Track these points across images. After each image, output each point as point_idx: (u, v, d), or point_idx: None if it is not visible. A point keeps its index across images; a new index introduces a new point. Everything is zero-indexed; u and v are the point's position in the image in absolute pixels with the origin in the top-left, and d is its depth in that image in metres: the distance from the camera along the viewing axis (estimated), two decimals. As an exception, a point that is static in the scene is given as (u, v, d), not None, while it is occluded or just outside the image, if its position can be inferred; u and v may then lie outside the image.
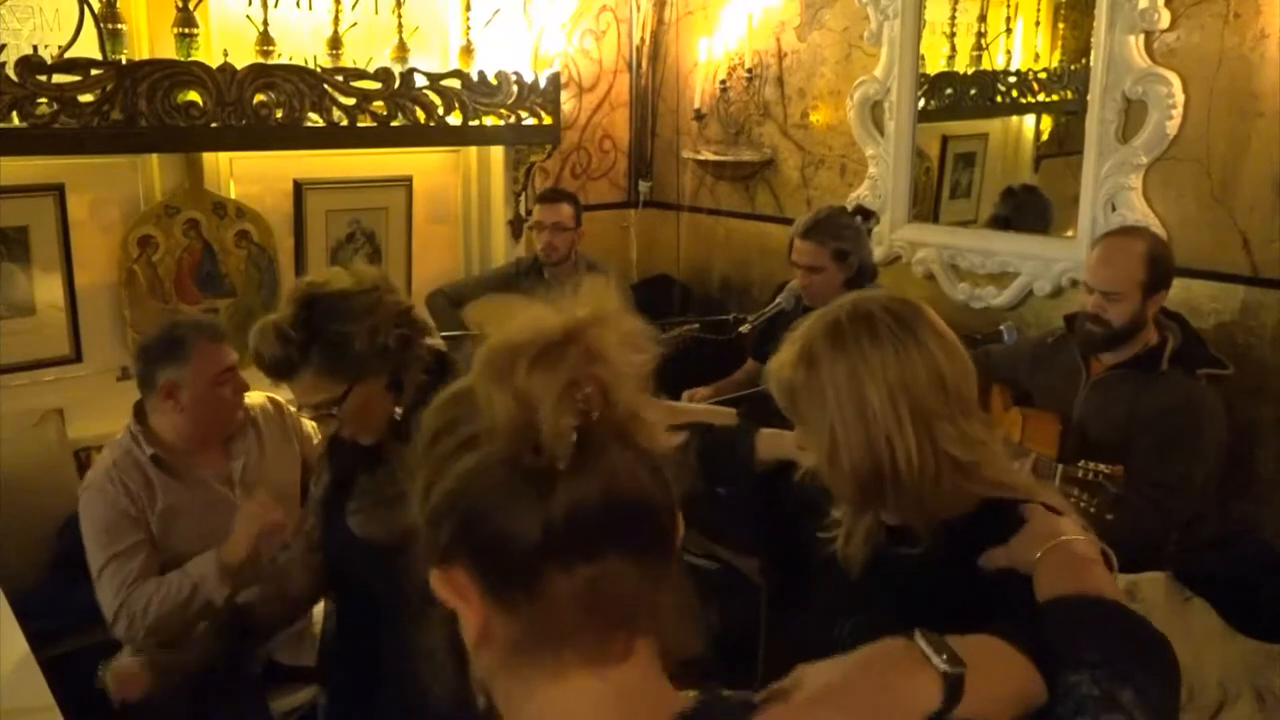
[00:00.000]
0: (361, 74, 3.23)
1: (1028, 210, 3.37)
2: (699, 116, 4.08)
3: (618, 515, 0.70)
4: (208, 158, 3.23)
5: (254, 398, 2.42)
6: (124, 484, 2.17)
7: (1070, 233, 3.12)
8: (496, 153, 3.86)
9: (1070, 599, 1.06)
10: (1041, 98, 3.49)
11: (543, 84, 3.64)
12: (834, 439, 1.20)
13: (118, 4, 2.85)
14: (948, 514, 1.23)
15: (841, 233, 2.90)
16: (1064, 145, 3.35)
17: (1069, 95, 3.30)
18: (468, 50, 3.55)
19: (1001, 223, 3.44)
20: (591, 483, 0.69)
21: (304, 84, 3.09)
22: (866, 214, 3.06)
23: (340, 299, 1.68)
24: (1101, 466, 2.16)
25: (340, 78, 3.17)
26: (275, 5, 3.13)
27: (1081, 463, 2.20)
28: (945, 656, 0.84)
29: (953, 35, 3.52)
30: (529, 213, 3.78)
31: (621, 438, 0.71)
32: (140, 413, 2.26)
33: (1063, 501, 1.27)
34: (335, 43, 3.25)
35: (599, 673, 0.72)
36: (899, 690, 0.82)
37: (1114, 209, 2.93)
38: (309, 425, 2.43)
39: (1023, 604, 1.09)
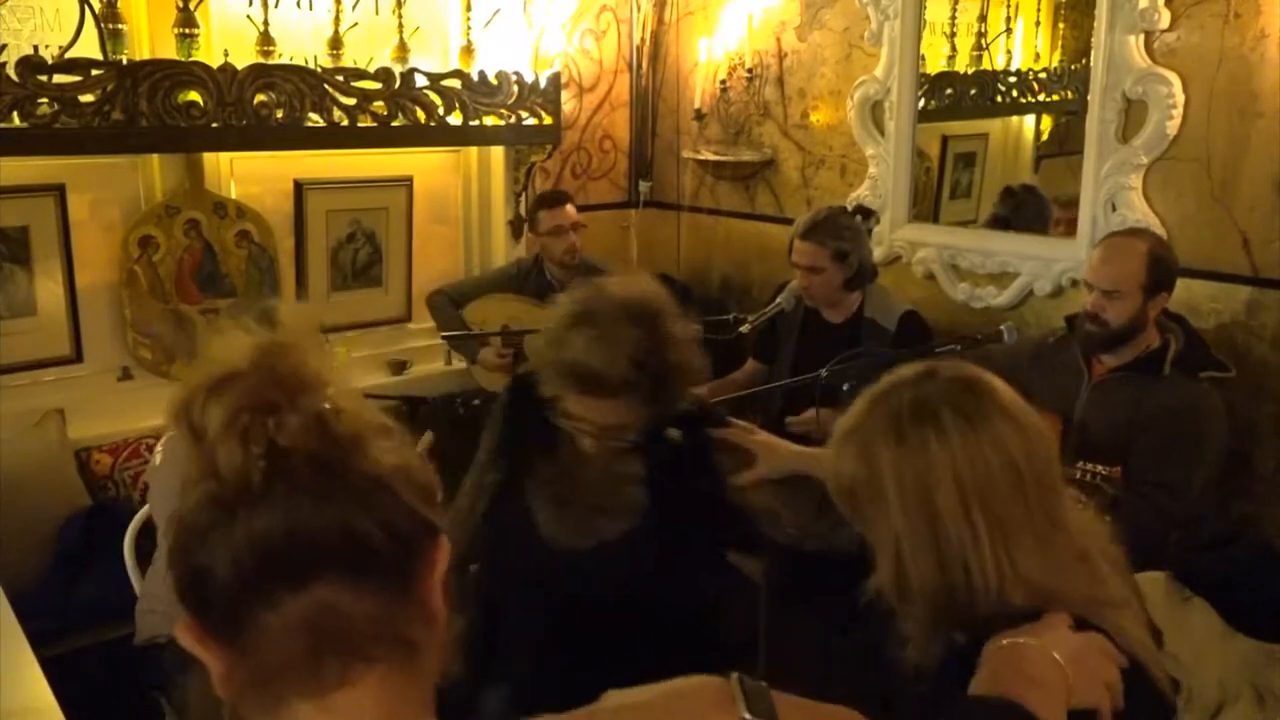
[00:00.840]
0: (362, 74, 3.23)
1: (1027, 210, 3.37)
2: (699, 116, 4.08)
3: (313, 544, 0.66)
4: (208, 158, 3.23)
5: None
6: None
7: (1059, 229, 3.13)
8: (497, 153, 3.87)
9: (986, 700, 0.97)
10: (1041, 98, 3.49)
11: (543, 84, 3.65)
12: (899, 553, 1.07)
13: (118, 4, 2.85)
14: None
15: (841, 233, 2.90)
16: (1064, 145, 3.35)
17: (1069, 95, 3.30)
18: (468, 50, 3.55)
19: (1001, 223, 3.44)
20: (273, 512, 0.65)
21: (304, 84, 3.09)
22: (866, 213, 3.06)
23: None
24: (1099, 468, 2.16)
25: (340, 78, 3.17)
26: (275, 5, 3.13)
27: (1080, 464, 2.20)
28: (758, 708, 0.78)
29: (953, 35, 3.52)
30: (529, 214, 3.77)
31: (321, 462, 0.67)
32: None
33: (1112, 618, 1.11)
34: (335, 43, 3.25)
35: (321, 704, 0.68)
36: None
37: (1114, 209, 2.93)
38: None
39: None
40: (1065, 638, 1.03)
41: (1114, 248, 2.45)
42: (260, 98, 3.01)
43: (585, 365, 1.54)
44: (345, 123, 3.19)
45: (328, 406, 0.68)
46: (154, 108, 2.83)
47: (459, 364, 3.77)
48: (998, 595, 1.05)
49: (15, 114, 2.65)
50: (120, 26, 2.85)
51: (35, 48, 2.78)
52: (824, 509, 1.28)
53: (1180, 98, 2.78)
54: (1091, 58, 2.94)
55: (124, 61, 2.82)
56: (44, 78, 2.67)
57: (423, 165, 3.74)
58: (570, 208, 3.53)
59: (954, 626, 1.10)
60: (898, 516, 1.06)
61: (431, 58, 3.58)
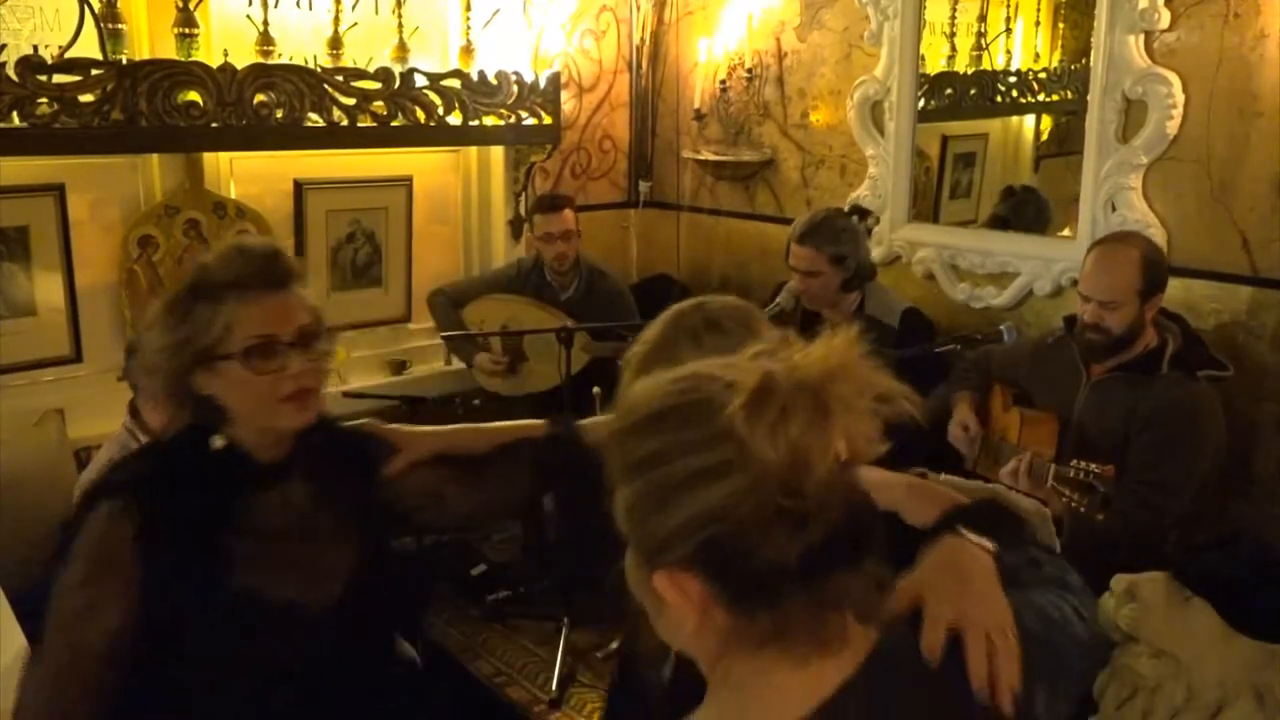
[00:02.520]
0: (361, 74, 3.23)
1: (1027, 210, 3.38)
2: (699, 116, 4.08)
3: (855, 538, 0.79)
4: (208, 158, 3.23)
5: None
6: None
7: (1066, 232, 3.12)
8: (496, 153, 3.87)
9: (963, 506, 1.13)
10: (1041, 98, 3.49)
11: (543, 84, 3.65)
12: None
13: (118, 4, 2.85)
14: None
15: (838, 236, 2.90)
16: (1064, 145, 3.35)
17: (1069, 95, 3.30)
18: (468, 50, 3.55)
19: (1001, 223, 3.44)
20: (839, 514, 0.77)
21: (304, 84, 3.09)
22: (863, 214, 3.05)
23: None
24: (1093, 466, 2.16)
25: (340, 78, 3.17)
26: (275, 5, 3.13)
27: (1074, 462, 2.20)
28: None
29: (953, 35, 3.52)
30: (529, 215, 3.77)
31: (853, 471, 0.79)
32: (134, 410, 2.29)
33: None
34: (335, 43, 3.25)
35: (828, 657, 0.81)
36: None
37: (1114, 209, 2.93)
38: None
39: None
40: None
41: (1107, 257, 2.44)
42: (260, 98, 3.01)
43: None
44: (345, 123, 3.19)
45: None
46: (154, 108, 2.83)
47: (459, 364, 3.77)
48: None
49: (15, 114, 2.65)
50: (120, 26, 2.85)
51: (35, 47, 2.78)
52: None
53: (1180, 98, 2.79)
54: (1091, 58, 2.94)
55: (124, 61, 2.82)
56: (44, 77, 2.67)
57: (422, 165, 3.74)
58: (568, 213, 3.51)
59: None
60: None
61: (431, 58, 3.58)
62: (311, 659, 1.42)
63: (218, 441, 1.40)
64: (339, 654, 1.44)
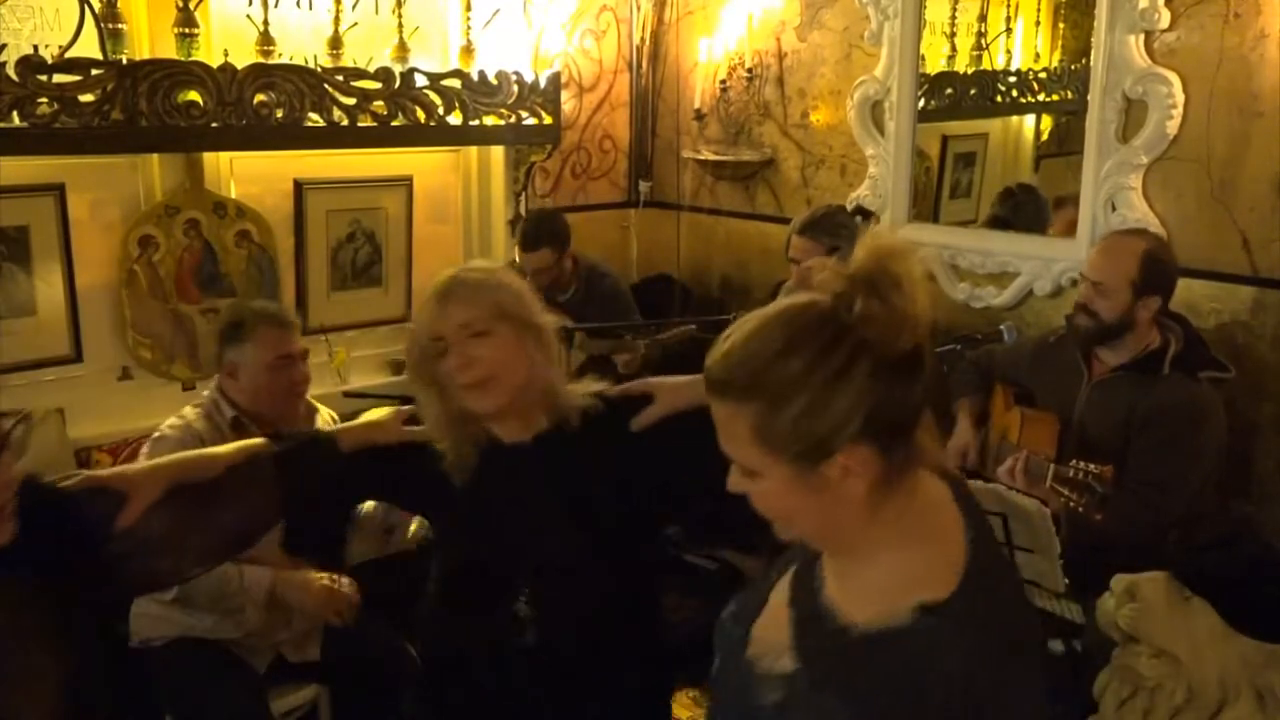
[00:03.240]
0: (362, 74, 3.22)
1: (1026, 210, 3.37)
2: (699, 116, 4.08)
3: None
4: (208, 157, 3.22)
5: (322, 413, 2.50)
6: (199, 436, 2.23)
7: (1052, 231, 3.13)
8: (497, 152, 3.86)
9: None
10: (1041, 98, 3.49)
11: (543, 84, 3.64)
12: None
13: (118, 4, 2.84)
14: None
15: (838, 231, 2.91)
16: (1064, 145, 3.35)
17: (1069, 95, 3.30)
18: (468, 50, 3.55)
19: (1000, 223, 3.44)
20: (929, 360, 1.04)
21: (304, 84, 3.09)
22: (865, 214, 3.06)
23: None
24: (1091, 466, 2.16)
25: (340, 77, 3.17)
26: (275, 5, 3.13)
27: (1073, 462, 2.20)
28: None
29: (953, 35, 3.52)
30: (528, 213, 3.77)
31: None
32: (224, 392, 2.35)
33: None
34: (335, 42, 3.24)
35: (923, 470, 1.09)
36: None
37: (1114, 209, 2.93)
38: None
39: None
40: None
41: (1112, 242, 2.49)
42: (260, 97, 3.01)
43: None
44: (345, 122, 3.19)
45: None
46: (154, 107, 2.83)
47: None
48: None
49: (15, 114, 2.64)
50: (120, 26, 2.85)
51: (35, 47, 2.78)
52: None
53: (1180, 98, 2.79)
54: (1091, 58, 2.94)
55: (124, 61, 2.82)
56: (44, 77, 2.67)
57: (422, 165, 3.73)
58: (543, 253, 3.47)
59: None
60: None
61: (431, 57, 3.58)
62: None
63: None
64: None
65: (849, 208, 3.12)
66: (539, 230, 3.53)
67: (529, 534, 1.58)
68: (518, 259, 3.54)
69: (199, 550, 1.47)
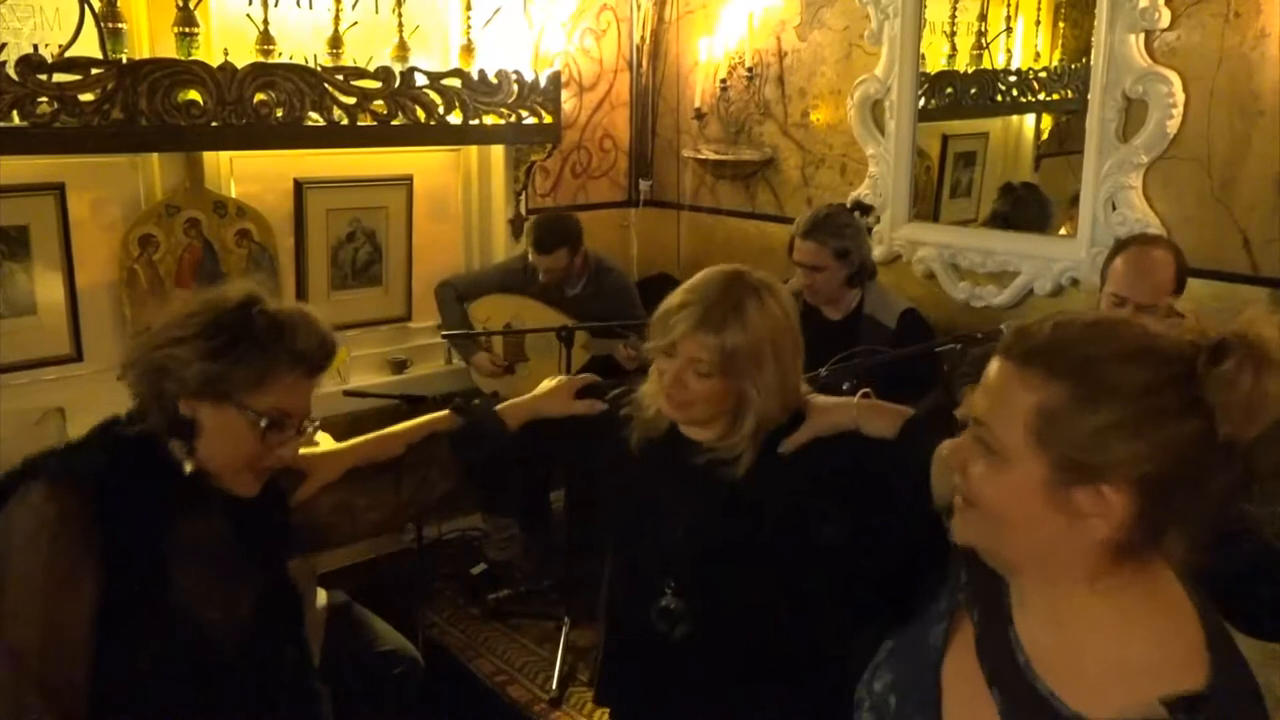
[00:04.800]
0: (362, 73, 3.23)
1: (1027, 207, 3.37)
2: (699, 116, 4.08)
3: None
4: (208, 157, 3.23)
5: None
6: None
7: (1065, 231, 3.12)
8: (497, 152, 3.86)
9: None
10: (1042, 97, 3.49)
11: (543, 83, 3.65)
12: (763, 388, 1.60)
13: (118, 3, 2.85)
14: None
15: (842, 231, 2.90)
16: (1064, 144, 3.35)
17: (1069, 94, 3.30)
18: (468, 49, 3.55)
19: (1000, 220, 3.44)
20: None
21: (304, 83, 3.09)
22: (865, 209, 3.06)
23: None
24: None
25: (340, 77, 3.17)
26: (275, 4, 3.13)
27: None
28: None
29: (953, 34, 3.52)
30: (529, 213, 3.77)
31: None
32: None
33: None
34: (335, 42, 3.25)
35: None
36: None
37: (1114, 208, 2.93)
38: None
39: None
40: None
41: (1145, 260, 2.41)
42: (260, 97, 3.01)
43: None
44: (345, 122, 3.19)
45: None
46: (154, 107, 2.83)
47: (459, 363, 3.77)
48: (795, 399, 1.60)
49: (15, 113, 2.65)
50: (120, 25, 2.85)
51: (35, 46, 2.78)
52: None
53: (1180, 97, 2.79)
54: (1091, 57, 2.94)
55: (124, 60, 2.82)
56: (44, 76, 2.67)
57: (423, 164, 3.73)
58: (559, 254, 3.47)
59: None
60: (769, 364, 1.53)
61: (431, 57, 3.58)
62: (228, 671, 1.44)
63: (188, 467, 1.40)
64: (253, 666, 1.48)
65: (849, 204, 3.11)
66: (554, 234, 3.53)
67: (688, 524, 1.59)
68: (530, 258, 3.53)
69: (369, 523, 1.65)
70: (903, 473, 1.47)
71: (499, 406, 1.72)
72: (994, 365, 0.95)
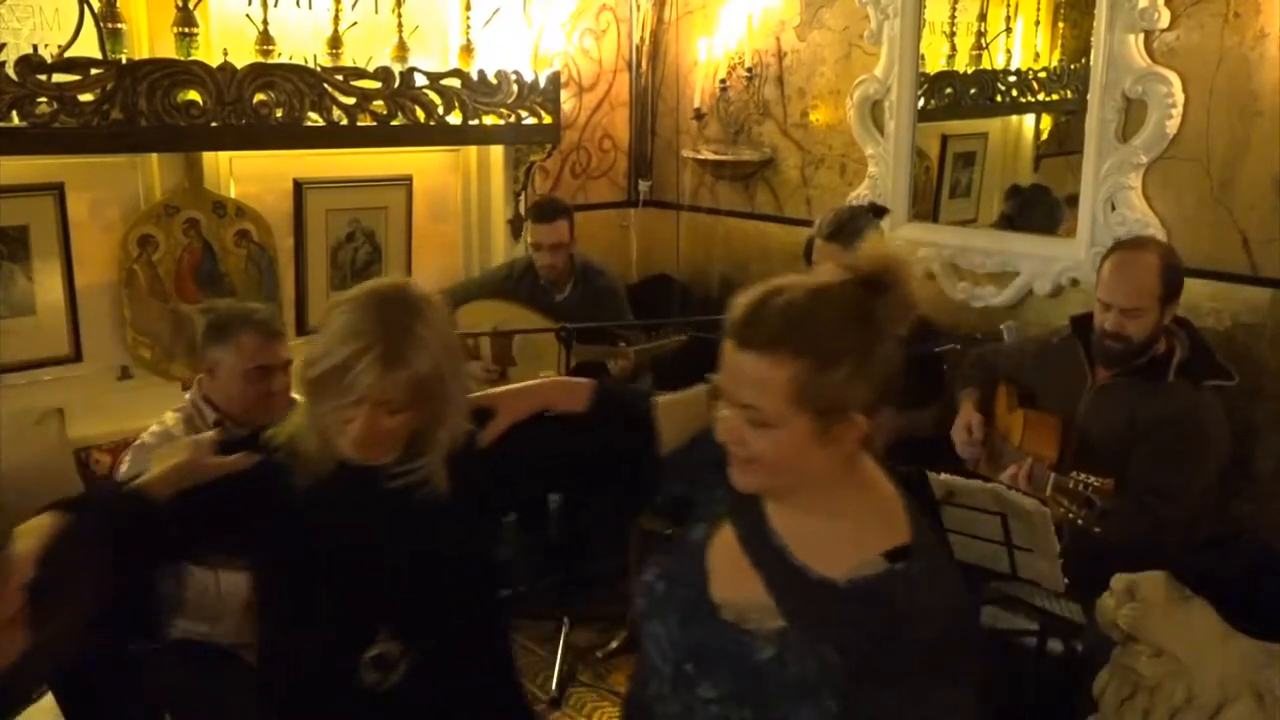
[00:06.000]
0: (361, 73, 3.22)
1: (1035, 210, 3.35)
2: (699, 116, 4.08)
3: None
4: (207, 157, 3.23)
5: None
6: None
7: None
8: (496, 152, 3.86)
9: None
10: (1041, 97, 3.49)
11: (542, 83, 3.65)
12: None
13: (118, 3, 2.85)
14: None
15: (865, 236, 2.90)
16: (1064, 144, 3.35)
17: (1069, 95, 3.30)
18: (468, 49, 3.55)
19: (1007, 222, 3.43)
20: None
21: (304, 83, 3.09)
22: (880, 211, 3.05)
23: None
24: (1092, 479, 2.14)
25: (340, 77, 3.17)
26: (275, 4, 3.13)
27: (1073, 473, 2.19)
28: None
29: (953, 35, 3.52)
30: (525, 217, 3.76)
31: None
32: (203, 390, 2.32)
33: None
34: (335, 42, 3.24)
35: None
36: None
37: (1114, 208, 2.93)
38: None
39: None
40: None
41: (1128, 264, 2.40)
42: (260, 97, 3.01)
43: None
44: (345, 122, 3.19)
45: None
46: (153, 107, 2.83)
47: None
48: None
49: (14, 113, 2.64)
50: (119, 25, 2.85)
51: (35, 47, 2.78)
52: None
53: (1180, 97, 2.79)
54: (1091, 57, 2.94)
55: (123, 60, 2.82)
56: (43, 77, 2.67)
57: (422, 164, 3.73)
58: (561, 225, 3.44)
59: None
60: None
61: (431, 57, 3.58)
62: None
63: None
64: None
65: (864, 205, 3.12)
66: (553, 202, 3.54)
67: (398, 556, 1.47)
68: (530, 238, 3.50)
69: (563, 478, 1.86)
70: (601, 440, 1.56)
71: (136, 482, 1.45)
72: (738, 356, 1.15)
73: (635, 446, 1.53)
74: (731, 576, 1.24)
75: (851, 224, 2.91)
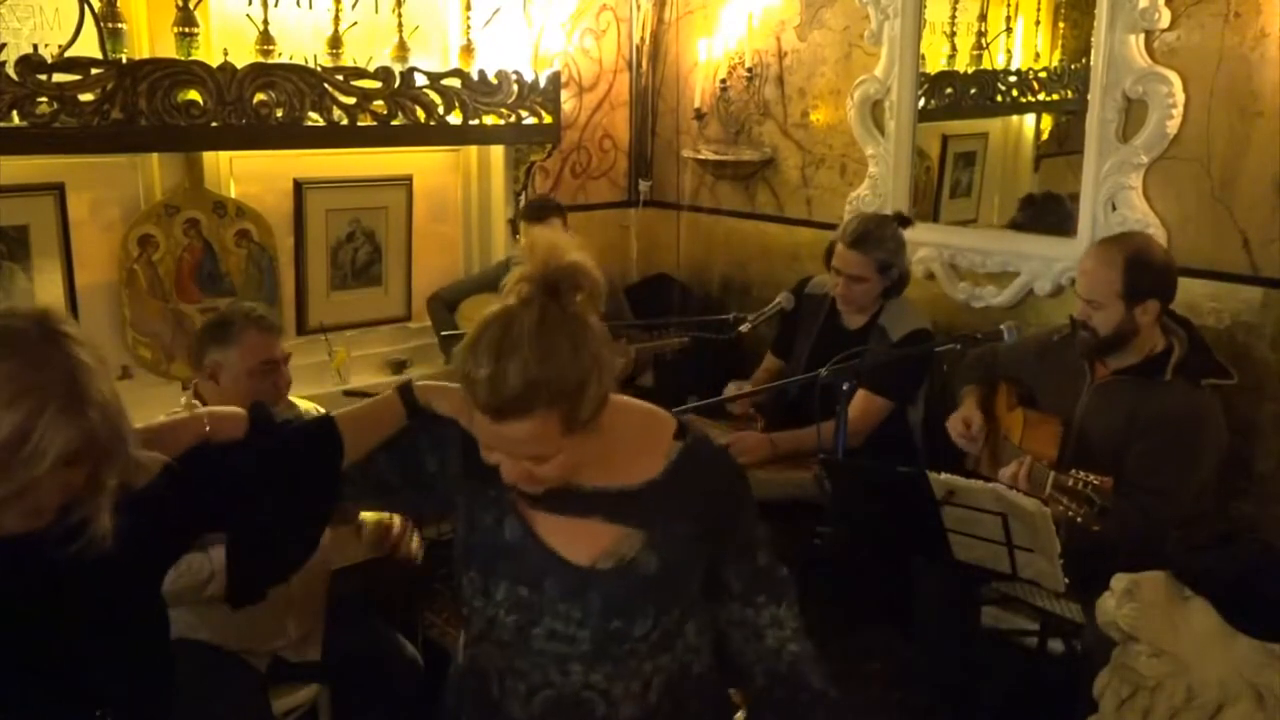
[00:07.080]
0: (362, 73, 3.23)
1: (1048, 218, 3.29)
2: (699, 116, 4.08)
3: None
4: (208, 157, 3.23)
5: (304, 405, 2.46)
6: None
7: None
8: (496, 152, 3.86)
9: None
10: (1041, 97, 3.49)
11: (543, 83, 3.64)
12: None
13: (118, 3, 2.85)
14: None
15: (886, 244, 2.92)
16: (1064, 144, 3.35)
17: (1069, 94, 3.30)
18: (468, 49, 3.55)
19: (1019, 230, 3.40)
20: None
21: (304, 83, 3.09)
22: (905, 221, 3.06)
23: None
24: (1091, 478, 2.14)
25: (340, 77, 3.17)
26: (275, 4, 3.13)
27: (1073, 472, 2.19)
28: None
29: (953, 34, 3.52)
30: (518, 218, 3.76)
31: None
32: (198, 394, 2.30)
33: None
34: (335, 42, 3.24)
35: None
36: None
37: (1114, 208, 2.93)
38: None
39: None
40: None
41: (1093, 256, 2.46)
42: (260, 97, 3.01)
43: None
44: (345, 122, 3.19)
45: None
46: (153, 107, 2.83)
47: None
48: None
49: (15, 113, 2.64)
50: (120, 25, 2.85)
51: (35, 46, 2.78)
52: None
53: (1180, 97, 2.79)
54: (1091, 57, 2.94)
55: (123, 60, 2.82)
56: (43, 77, 2.67)
57: (422, 164, 3.73)
58: (553, 224, 3.43)
59: None
60: None
61: (431, 57, 3.58)
62: None
63: None
64: None
65: (890, 214, 3.13)
66: (546, 202, 3.56)
67: (98, 634, 1.34)
68: (524, 239, 3.50)
69: None
70: (258, 468, 1.45)
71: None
72: (502, 428, 1.24)
73: (314, 462, 1.45)
74: (577, 539, 1.36)
75: (877, 232, 2.92)
